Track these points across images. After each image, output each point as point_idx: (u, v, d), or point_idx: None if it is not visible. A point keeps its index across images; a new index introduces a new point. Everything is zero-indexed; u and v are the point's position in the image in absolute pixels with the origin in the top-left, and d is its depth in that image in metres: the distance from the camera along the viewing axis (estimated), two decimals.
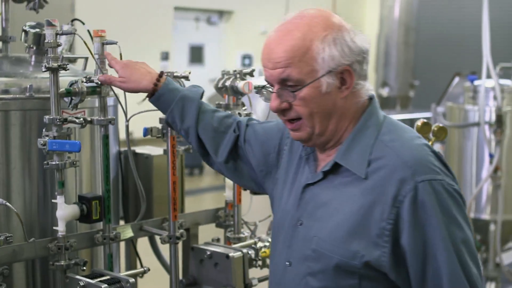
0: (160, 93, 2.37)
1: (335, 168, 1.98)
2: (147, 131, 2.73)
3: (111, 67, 2.50)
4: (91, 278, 2.45)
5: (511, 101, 6.46)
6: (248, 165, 2.36)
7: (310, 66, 1.90)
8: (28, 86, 2.60)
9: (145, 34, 12.69)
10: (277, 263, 2.09)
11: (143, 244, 3.32)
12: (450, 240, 1.84)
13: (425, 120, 2.83)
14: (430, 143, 2.49)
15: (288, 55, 1.90)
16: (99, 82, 2.54)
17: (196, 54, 14.76)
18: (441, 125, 2.90)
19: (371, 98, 2.03)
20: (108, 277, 2.49)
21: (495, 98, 6.30)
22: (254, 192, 3.10)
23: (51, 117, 2.48)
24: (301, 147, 2.15)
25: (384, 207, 1.87)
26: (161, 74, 2.41)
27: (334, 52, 1.89)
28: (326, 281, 1.93)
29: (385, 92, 12.12)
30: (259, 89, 2.10)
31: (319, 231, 1.96)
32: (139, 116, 2.70)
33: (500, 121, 6.22)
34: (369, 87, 2.01)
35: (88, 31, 2.67)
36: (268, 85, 2.03)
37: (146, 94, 2.42)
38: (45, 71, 2.47)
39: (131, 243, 3.18)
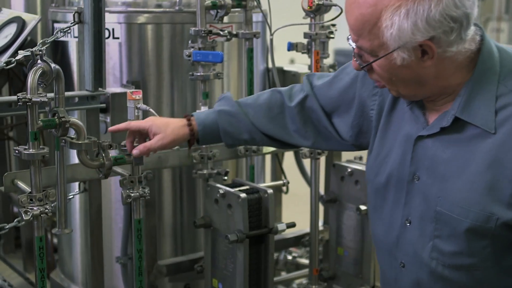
0: (200, 128, 2.13)
1: (454, 122, 1.75)
2: (291, 46, 2.73)
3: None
4: (232, 188, 2.52)
5: None
6: (334, 134, 2.13)
7: (380, 39, 1.68)
8: (177, 0, 2.68)
9: None
10: (391, 221, 1.91)
11: (290, 161, 3.38)
12: None
13: None
14: None
15: (358, 25, 1.69)
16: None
17: None
18: None
19: (481, 35, 1.75)
20: (247, 187, 2.56)
21: None
22: None
23: (197, 29, 2.55)
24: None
25: None
26: (186, 115, 2.17)
27: (404, 27, 1.63)
28: (456, 244, 1.75)
29: None
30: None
31: (443, 191, 1.77)
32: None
33: None
34: (469, 44, 1.70)
35: None
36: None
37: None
38: None
39: (276, 158, 3.24)
